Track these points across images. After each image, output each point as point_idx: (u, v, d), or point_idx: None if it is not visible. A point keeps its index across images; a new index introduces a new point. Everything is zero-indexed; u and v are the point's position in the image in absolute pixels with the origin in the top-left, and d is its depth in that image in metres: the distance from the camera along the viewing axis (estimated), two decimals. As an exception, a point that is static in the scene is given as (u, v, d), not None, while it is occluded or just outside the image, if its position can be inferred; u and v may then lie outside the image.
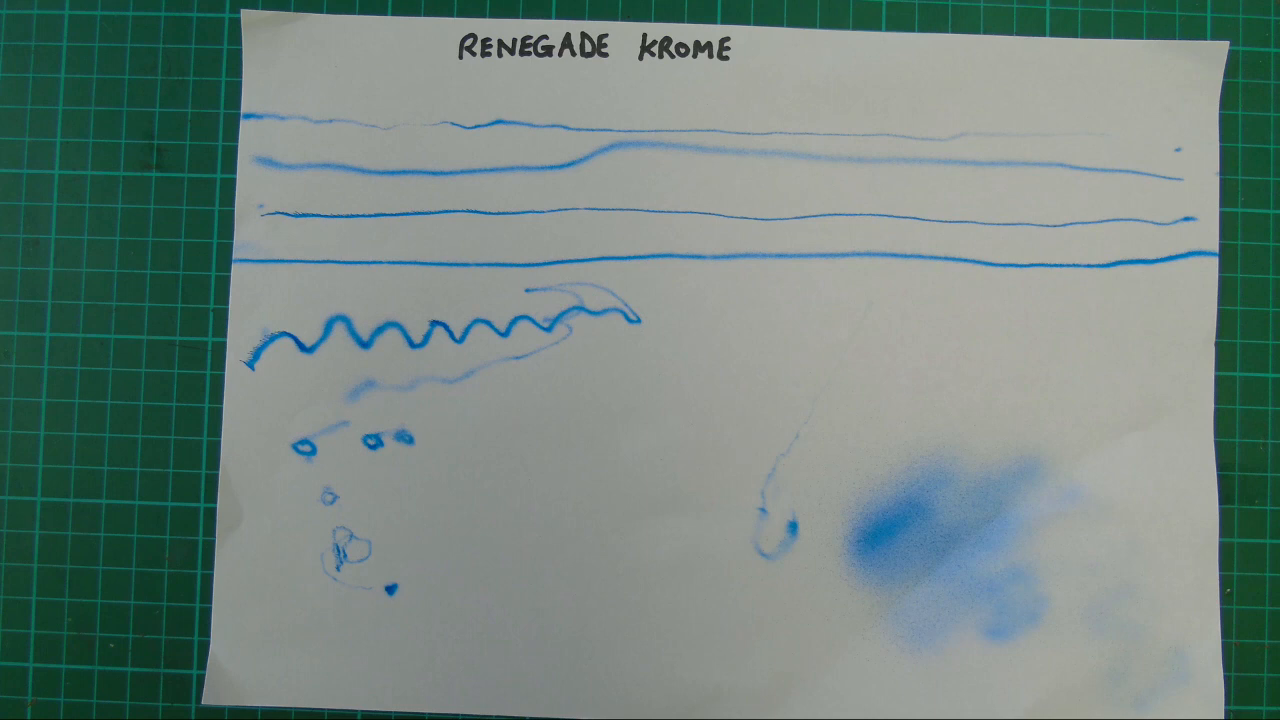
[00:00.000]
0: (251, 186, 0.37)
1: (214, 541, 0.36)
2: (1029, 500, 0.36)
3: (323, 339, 0.36)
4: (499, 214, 0.36)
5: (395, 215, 0.36)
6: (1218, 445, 0.37)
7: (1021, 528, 0.36)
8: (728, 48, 0.37)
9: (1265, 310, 0.37)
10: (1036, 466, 0.36)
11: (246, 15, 0.37)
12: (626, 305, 0.36)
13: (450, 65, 0.37)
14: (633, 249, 0.36)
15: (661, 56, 0.37)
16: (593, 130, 0.37)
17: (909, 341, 0.36)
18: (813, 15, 0.38)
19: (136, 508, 0.37)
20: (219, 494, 0.36)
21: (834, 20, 0.38)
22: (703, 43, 0.37)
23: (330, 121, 0.37)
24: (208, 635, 0.36)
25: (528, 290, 0.36)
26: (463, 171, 0.37)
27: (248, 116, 0.37)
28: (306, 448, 0.36)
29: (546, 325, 0.36)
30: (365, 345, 0.36)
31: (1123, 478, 0.36)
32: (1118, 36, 0.38)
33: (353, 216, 0.37)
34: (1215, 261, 0.37)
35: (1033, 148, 0.37)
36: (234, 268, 0.37)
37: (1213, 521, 0.36)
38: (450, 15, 0.37)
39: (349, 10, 0.38)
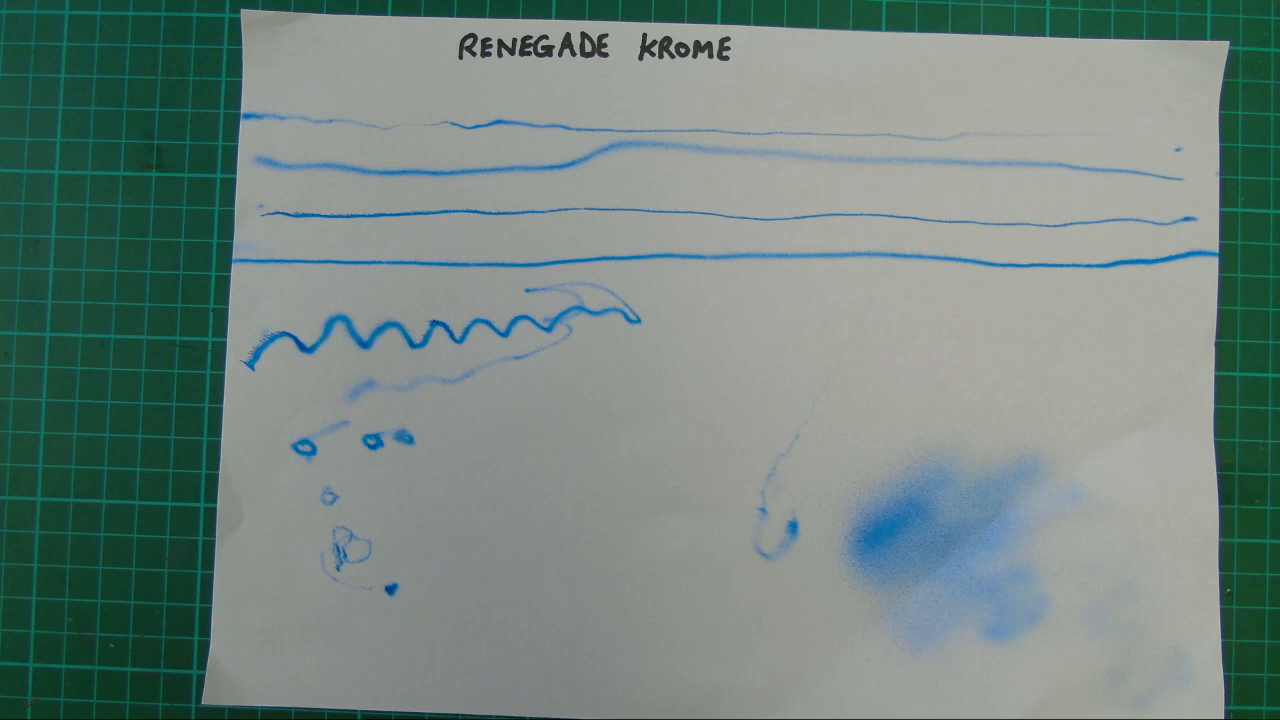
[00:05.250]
0: (251, 186, 0.37)
1: (214, 541, 0.36)
2: (1029, 500, 0.36)
3: (323, 339, 0.36)
4: (499, 214, 0.36)
5: (395, 215, 0.36)
6: (1218, 445, 0.37)
7: (1021, 528, 0.36)
8: (728, 48, 0.37)
9: (1265, 310, 0.37)
10: (1036, 466, 0.36)
11: (246, 15, 0.37)
12: (626, 305, 0.36)
13: (450, 65, 0.37)
14: (633, 249, 0.36)
15: (661, 56, 0.37)
16: (593, 130, 0.37)
17: (909, 341, 0.36)
18: (813, 15, 0.38)
19: (136, 508, 0.37)
20: (219, 494, 0.36)
21: (834, 20, 0.38)
22: (703, 43, 0.37)
23: (330, 121, 0.37)
24: (208, 635, 0.36)
25: (528, 290, 0.36)
26: (463, 171, 0.37)
27: (248, 116, 0.37)
28: (306, 448, 0.36)
29: (546, 325, 0.36)
30: (365, 345, 0.36)
31: (1123, 478, 0.36)
32: (1118, 36, 0.38)
33: (353, 216, 0.37)
34: (1215, 261, 0.37)
35: (1033, 148, 0.37)
36: (234, 268, 0.37)
37: (1213, 521, 0.36)
38: (450, 15, 0.37)
39: (349, 10, 0.38)
